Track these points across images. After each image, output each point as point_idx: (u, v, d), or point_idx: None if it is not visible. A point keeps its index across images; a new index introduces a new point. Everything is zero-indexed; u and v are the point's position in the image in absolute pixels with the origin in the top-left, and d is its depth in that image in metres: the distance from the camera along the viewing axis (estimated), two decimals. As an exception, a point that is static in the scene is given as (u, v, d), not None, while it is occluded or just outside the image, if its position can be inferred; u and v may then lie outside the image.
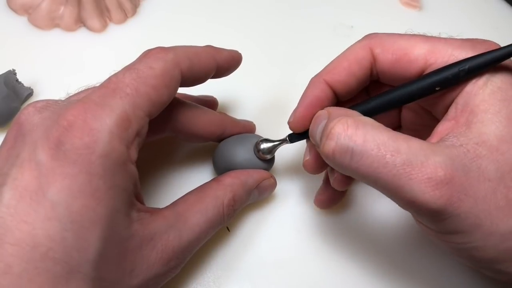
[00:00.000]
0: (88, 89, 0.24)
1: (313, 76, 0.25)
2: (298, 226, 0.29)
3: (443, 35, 0.24)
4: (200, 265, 0.27)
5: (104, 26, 0.37)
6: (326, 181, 0.28)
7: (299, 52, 0.38)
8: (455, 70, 0.21)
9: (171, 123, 0.25)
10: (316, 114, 0.24)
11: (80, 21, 0.37)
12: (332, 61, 0.25)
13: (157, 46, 0.23)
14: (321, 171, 0.26)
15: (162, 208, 0.23)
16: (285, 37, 0.39)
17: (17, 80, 0.31)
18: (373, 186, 0.21)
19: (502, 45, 0.22)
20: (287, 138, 0.27)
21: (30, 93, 0.32)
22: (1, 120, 0.30)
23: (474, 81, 0.21)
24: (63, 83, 0.27)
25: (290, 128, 0.26)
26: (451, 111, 0.22)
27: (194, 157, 0.31)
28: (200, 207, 0.24)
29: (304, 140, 0.27)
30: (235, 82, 0.35)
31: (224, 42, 0.37)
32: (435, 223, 0.20)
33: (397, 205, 0.21)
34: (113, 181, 0.19)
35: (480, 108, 0.20)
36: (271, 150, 0.27)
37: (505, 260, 0.20)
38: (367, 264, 0.28)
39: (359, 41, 0.25)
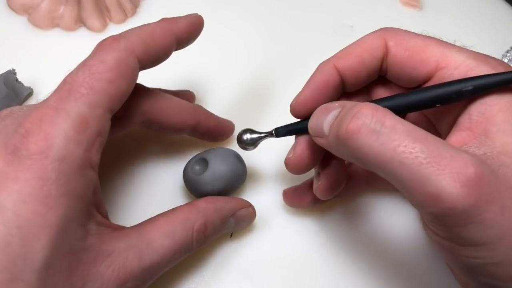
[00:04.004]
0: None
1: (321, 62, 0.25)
2: (298, 226, 0.29)
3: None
4: (200, 265, 0.27)
5: (104, 26, 0.37)
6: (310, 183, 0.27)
7: (299, 52, 0.38)
8: (458, 88, 0.20)
9: (141, 113, 0.24)
10: (324, 106, 0.22)
11: (80, 21, 0.37)
12: (344, 48, 0.24)
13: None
14: (304, 172, 0.25)
15: (127, 227, 0.23)
16: (285, 37, 0.39)
17: (16, 79, 0.31)
18: (389, 176, 0.18)
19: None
20: (273, 132, 0.25)
21: (30, 93, 0.32)
22: (1, 120, 0.30)
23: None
24: (63, 83, 0.27)
25: (292, 112, 0.25)
26: (464, 121, 0.21)
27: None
28: (167, 229, 0.23)
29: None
30: (235, 81, 0.35)
31: (224, 42, 0.37)
32: (454, 228, 0.18)
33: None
34: (67, 188, 0.19)
35: (500, 118, 0.20)
36: (255, 142, 0.26)
37: None
38: (366, 264, 0.28)
39: (374, 31, 0.24)
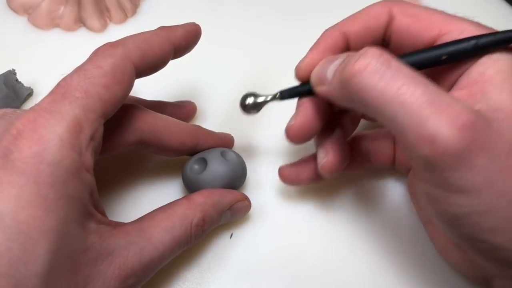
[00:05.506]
0: None
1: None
2: (299, 227, 0.29)
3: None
4: (201, 265, 0.27)
5: (104, 26, 0.37)
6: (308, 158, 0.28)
7: (299, 52, 0.37)
8: (471, 42, 0.21)
9: (140, 135, 0.24)
10: (329, 57, 0.23)
11: (80, 21, 0.37)
12: (350, 15, 0.26)
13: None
14: (305, 140, 0.25)
15: (127, 223, 0.23)
16: (285, 37, 0.39)
17: (16, 80, 0.31)
18: (388, 117, 0.19)
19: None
20: (279, 94, 0.25)
21: (30, 93, 0.32)
22: (1, 120, 0.30)
23: (488, 54, 0.21)
24: (63, 83, 0.27)
25: (297, 74, 0.25)
26: (463, 81, 0.22)
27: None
28: (166, 224, 0.23)
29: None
30: (234, 86, 0.35)
31: (224, 42, 0.37)
32: (444, 173, 0.18)
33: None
34: (64, 191, 0.18)
35: (496, 78, 0.21)
36: (258, 105, 0.25)
37: (504, 231, 0.19)
38: (367, 265, 0.28)
39: (377, 2, 0.25)
